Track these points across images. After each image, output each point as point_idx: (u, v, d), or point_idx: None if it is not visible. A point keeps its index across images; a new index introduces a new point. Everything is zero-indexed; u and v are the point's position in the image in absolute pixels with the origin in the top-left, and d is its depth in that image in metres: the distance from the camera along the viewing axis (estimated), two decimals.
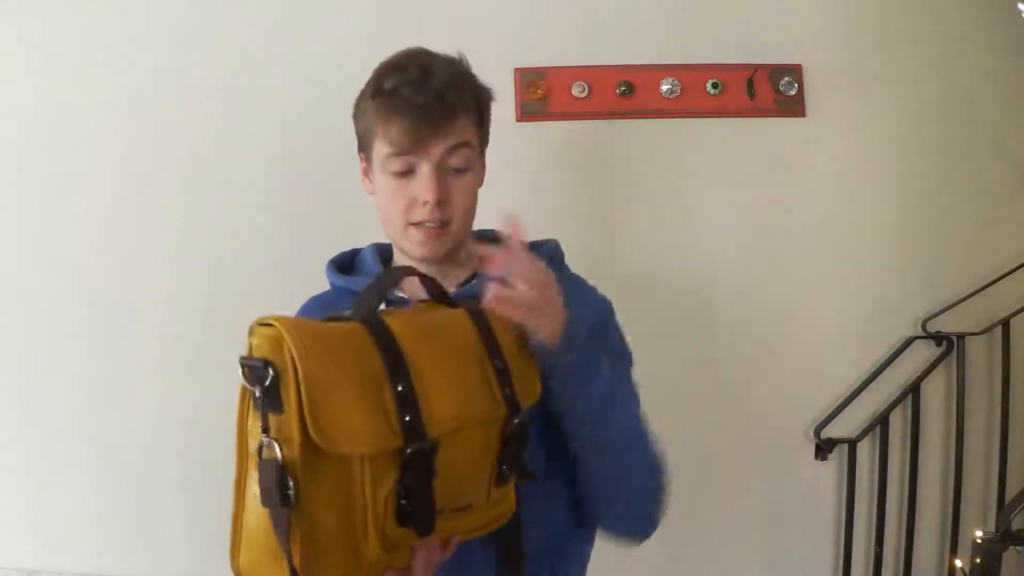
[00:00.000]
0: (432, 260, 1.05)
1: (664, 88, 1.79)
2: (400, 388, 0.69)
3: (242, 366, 0.66)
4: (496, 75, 1.73)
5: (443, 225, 1.02)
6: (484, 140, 1.08)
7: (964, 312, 1.81)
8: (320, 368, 0.64)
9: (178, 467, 1.71)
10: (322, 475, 0.65)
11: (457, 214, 1.02)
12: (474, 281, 1.08)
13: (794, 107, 1.81)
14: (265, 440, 0.64)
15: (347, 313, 0.73)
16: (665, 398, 1.74)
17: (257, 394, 0.65)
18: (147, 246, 1.75)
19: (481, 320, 0.84)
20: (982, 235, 1.86)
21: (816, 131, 1.83)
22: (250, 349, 0.66)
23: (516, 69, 1.76)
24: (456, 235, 1.04)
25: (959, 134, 1.86)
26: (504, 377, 0.82)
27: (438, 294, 0.87)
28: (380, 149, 1.00)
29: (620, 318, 1.16)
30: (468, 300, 1.05)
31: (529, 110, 1.77)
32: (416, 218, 1.01)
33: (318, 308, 1.11)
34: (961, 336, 1.80)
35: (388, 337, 0.71)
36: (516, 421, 0.82)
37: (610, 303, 1.16)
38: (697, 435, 1.79)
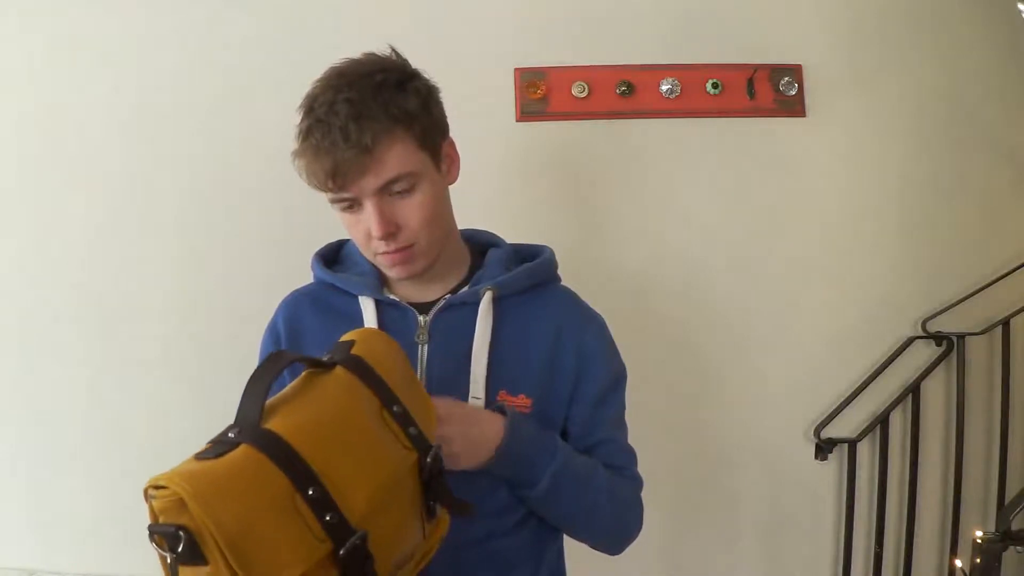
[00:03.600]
0: (410, 279, 1.03)
1: (664, 88, 1.79)
2: (311, 492, 0.67)
3: (152, 533, 0.63)
4: (496, 75, 1.77)
5: (405, 248, 0.98)
6: (431, 139, 0.99)
7: (964, 312, 1.81)
8: (231, 517, 0.63)
9: None
10: None
11: (416, 235, 0.98)
12: (466, 288, 1.06)
13: (794, 107, 1.82)
14: None
15: (233, 435, 0.69)
16: (665, 398, 1.76)
17: (175, 557, 0.63)
18: (147, 246, 1.75)
19: (363, 370, 0.80)
20: (982, 235, 1.86)
21: (816, 131, 1.83)
22: (154, 515, 0.64)
23: (516, 69, 1.76)
24: (428, 250, 1.01)
25: (959, 134, 1.86)
26: (405, 419, 0.80)
27: (312, 362, 0.81)
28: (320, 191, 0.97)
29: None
30: (460, 305, 1.04)
31: (529, 110, 1.77)
32: (376, 249, 0.99)
33: (302, 301, 1.11)
34: (961, 336, 1.80)
35: (283, 449, 0.68)
36: (429, 460, 0.80)
37: (604, 323, 1.13)
38: (697, 435, 1.80)
